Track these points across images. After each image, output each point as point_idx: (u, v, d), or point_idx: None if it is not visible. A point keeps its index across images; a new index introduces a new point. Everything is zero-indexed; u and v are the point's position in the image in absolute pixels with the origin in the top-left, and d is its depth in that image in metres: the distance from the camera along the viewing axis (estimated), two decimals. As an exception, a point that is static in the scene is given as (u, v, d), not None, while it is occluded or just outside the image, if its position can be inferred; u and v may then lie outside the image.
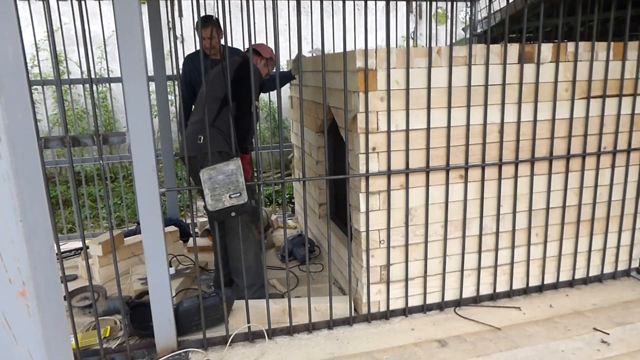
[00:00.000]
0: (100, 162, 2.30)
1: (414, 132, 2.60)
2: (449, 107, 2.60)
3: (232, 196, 2.26)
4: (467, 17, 6.09)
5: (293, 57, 4.02)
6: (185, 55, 4.11)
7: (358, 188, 2.62)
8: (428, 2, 2.78)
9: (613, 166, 2.97)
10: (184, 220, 4.50)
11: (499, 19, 4.74)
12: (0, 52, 0.59)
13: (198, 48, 4.03)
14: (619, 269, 3.16)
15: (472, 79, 2.61)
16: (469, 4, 5.04)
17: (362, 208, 2.62)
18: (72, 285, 3.26)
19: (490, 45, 2.60)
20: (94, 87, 6.68)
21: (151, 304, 2.42)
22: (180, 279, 3.23)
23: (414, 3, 6.10)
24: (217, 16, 3.87)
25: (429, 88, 2.55)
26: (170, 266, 3.34)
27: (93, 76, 4.64)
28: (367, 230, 2.64)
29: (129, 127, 2.23)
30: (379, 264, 2.71)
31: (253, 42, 3.31)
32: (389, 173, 2.59)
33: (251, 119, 2.69)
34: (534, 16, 4.23)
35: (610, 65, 2.82)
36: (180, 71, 4.37)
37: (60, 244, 4.40)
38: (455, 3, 2.67)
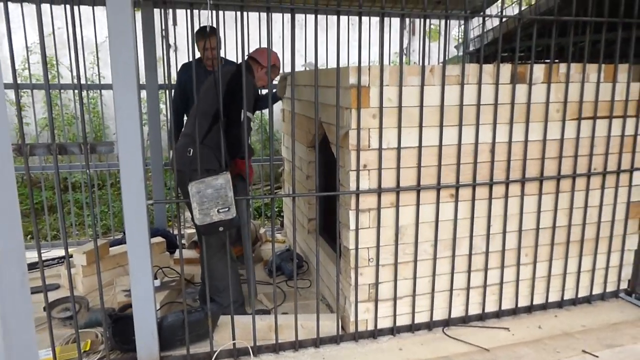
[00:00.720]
0: (87, 171, 2.25)
1: (405, 150, 2.59)
2: (441, 125, 2.60)
3: (220, 210, 2.23)
4: (460, 34, 6.14)
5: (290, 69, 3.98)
6: (181, 64, 4.07)
7: (348, 205, 2.59)
8: (422, 19, 2.78)
9: (603, 187, 2.97)
10: (172, 231, 4.45)
11: (491, 37, 4.78)
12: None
13: (196, 57, 3.99)
14: (607, 290, 3.16)
15: (465, 98, 2.60)
16: (462, 21, 5.09)
17: (352, 225, 2.59)
18: (54, 295, 3.19)
19: (483, 65, 2.60)
20: (84, 93, 6.62)
21: (134, 317, 2.37)
22: (166, 292, 3.17)
23: (407, 19, 6.13)
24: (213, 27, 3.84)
25: (421, 106, 2.54)
26: (156, 278, 3.28)
27: (83, 82, 4.59)
28: (357, 248, 2.61)
29: (118, 137, 2.19)
30: (367, 282, 2.68)
31: (249, 52, 3.26)
32: (379, 191, 2.57)
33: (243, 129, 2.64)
34: (525, 36, 4.27)
35: (601, 87, 2.84)
36: (174, 80, 4.35)
37: (44, 251, 4.34)
38: (448, 20, 2.67)
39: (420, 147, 2.59)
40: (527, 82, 2.70)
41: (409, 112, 2.56)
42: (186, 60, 3.99)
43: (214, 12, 2.38)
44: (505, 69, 2.66)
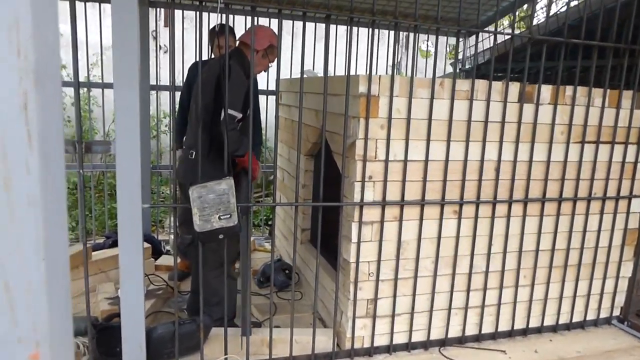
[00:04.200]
0: (80, 171, 2.13)
1: (411, 163, 2.53)
2: (449, 140, 2.55)
3: (222, 217, 2.12)
4: (451, 51, 6.17)
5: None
6: (191, 62, 3.88)
7: (351, 217, 2.51)
8: (414, 33, 2.74)
9: (602, 212, 2.97)
10: (156, 237, 4.29)
11: (487, 56, 4.81)
12: (43, 43, 0.47)
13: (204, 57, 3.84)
14: (600, 316, 3.14)
15: (472, 114, 2.57)
16: (459, 39, 5.10)
17: (354, 238, 2.51)
18: (31, 300, 3.01)
19: (493, 82, 2.58)
20: (84, 92, 6.40)
21: (122, 328, 2.22)
22: (152, 301, 3.02)
23: (401, 34, 6.15)
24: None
25: (430, 119, 2.50)
26: (141, 285, 3.13)
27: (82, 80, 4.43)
28: (357, 262, 2.53)
29: (117, 137, 2.07)
30: (366, 297, 2.60)
31: (240, 36, 2.89)
32: (383, 204, 2.50)
33: (247, 123, 2.41)
34: (522, 58, 4.30)
35: (605, 112, 2.84)
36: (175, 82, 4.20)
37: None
38: (447, 37, 2.64)
39: (426, 160, 2.54)
40: (534, 101, 2.69)
41: (416, 125, 2.50)
42: (194, 61, 3.84)
43: (223, 14, 2.30)
44: (514, 88, 2.64)
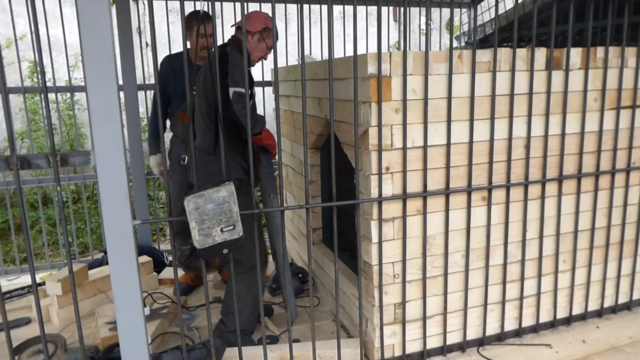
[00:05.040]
0: (57, 188, 1.85)
1: (432, 149, 2.25)
2: (472, 119, 2.26)
3: (224, 229, 1.84)
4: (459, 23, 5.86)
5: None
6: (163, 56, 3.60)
7: (369, 215, 2.24)
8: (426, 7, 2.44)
9: (643, 183, 2.69)
10: (157, 247, 4.02)
11: (495, 26, 4.49)
12: None
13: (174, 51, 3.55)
14: (648, 295, 2.88)
15: (496, 87, 2.28)
16: (464, 10, 4.79)
17: (375, 238, 2.24)
18: (24, 333, 2.75)
19: (517, 50, 2.28)
20: (66, 97, 6.12)
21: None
22: (157, 321, 2.76)
23: (400, 10, 5.83)
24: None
25: (449, 98, 2.21)
26: (145, 306, 2.87)
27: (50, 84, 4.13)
28: (380, 263, 2.26)
29: (95, 145, 1.79)
30: (393, 301, 2.33)
31: (233, 23, 2.76)
32: (404, 197, 2.22)
33: (253, 103, 2.25)
34: (529, 27, 3.99)
35: (641, 73, 2.55)
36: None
37: (12, 277, 3.87)
38: (451, 10, 2.34)
39: (448, 144, 2.25)
40: (563, 68, 2.39)
41: (435, 105, 2.22)
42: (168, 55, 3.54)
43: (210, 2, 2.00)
44: (540, 54, 2.35)
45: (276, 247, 2.59)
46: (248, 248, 2.01)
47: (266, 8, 3.77)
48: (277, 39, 2.20)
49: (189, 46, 3.29)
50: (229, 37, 2.67)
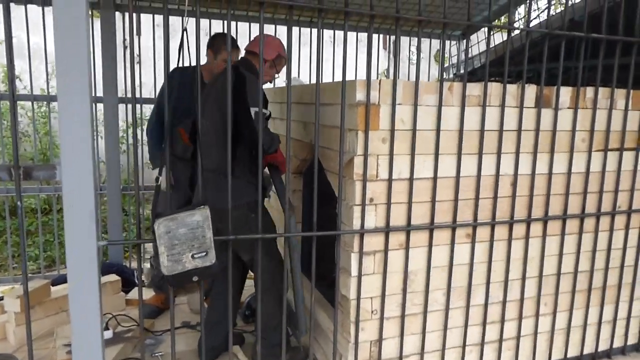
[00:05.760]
0: (19, 203, 1.73)
1: (418, 182, 2.18)
2: (459, 153, 2.21)
3: (195, 256, 1.74)
4: (436, 55, 5.88)
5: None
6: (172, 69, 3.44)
7: (350, 247, 2.15)
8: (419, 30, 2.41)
9: (627, 227, 2.65)
10: (129, 265, 3.86)
11: (486, 60, 4.51)
12: None
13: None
14: (628, 342, 2.82)
15: (485, 122, 2.24)
16: (453, 42, 4.81)
17: (354, 271, 2.14)
18: (-24, 352, 2.57)
19: (507, 85, 2.25)
20: (42, 106, 5.95)
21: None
22: (119, 346, 2.61)
23: (390, 38, 5.83)
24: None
25: (438, 130, 2.15)
26: (107, 328, 2.72)
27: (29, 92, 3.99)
28: (358, 298, 2.16)
29: (62, 158, 1.68)
30: (369, 338, 2.23)
31: (246, 46, 2.75)
32: (387, 230, 2.14)
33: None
34: (516, 63, 4.01)
35: (629, 115, 2.53)
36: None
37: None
38: (441, 41, 2.31)
39: (435, 178, 2.19)
40: (552, 106, 2.37)
41: (423, 137, 2.16)
42: (169, 70, 3.37)
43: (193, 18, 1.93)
44: (530, 91, 2.32)
45: (292, 266, 2.50)
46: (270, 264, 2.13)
47: (255, 28, 3.72)
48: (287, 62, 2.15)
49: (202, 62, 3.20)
50: (240, 58, 2.70)
